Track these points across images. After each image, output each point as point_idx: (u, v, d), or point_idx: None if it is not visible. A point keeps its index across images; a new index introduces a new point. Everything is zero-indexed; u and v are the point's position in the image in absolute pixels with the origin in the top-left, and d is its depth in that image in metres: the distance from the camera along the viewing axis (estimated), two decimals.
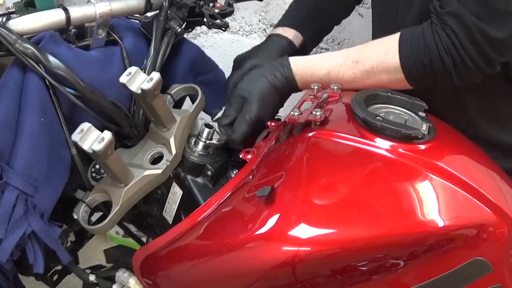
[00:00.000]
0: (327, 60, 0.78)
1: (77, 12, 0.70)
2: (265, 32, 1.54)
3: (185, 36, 0.87)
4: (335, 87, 0.78)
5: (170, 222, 0.79)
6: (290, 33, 0.94)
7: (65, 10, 0.69)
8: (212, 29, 1.04)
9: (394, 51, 0.71)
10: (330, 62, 0.78)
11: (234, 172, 0.78)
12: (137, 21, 0.86)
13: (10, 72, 0.66)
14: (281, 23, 0.98)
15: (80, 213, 0.73)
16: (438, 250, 0.57)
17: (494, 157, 0.70)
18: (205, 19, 0.85)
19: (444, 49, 0.67)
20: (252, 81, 0.79)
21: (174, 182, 0.78)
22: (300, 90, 0.81)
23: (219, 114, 0.82)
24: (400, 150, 0.62)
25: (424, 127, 0.66)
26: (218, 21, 0.86)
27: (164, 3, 0.82)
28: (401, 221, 0.56)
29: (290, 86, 0.79)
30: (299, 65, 0.79)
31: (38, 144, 0.65)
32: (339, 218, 0.57)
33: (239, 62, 0.90)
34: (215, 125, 0.79)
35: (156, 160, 0.76)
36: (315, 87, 0.76)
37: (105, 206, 0.75)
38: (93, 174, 0.76)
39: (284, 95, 0.81)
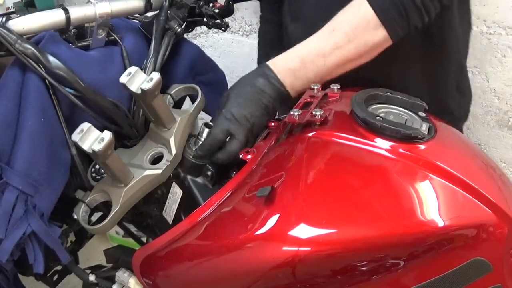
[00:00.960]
0: (304, 42, 0.76)
1: (77, 12, 0.70)
2: None
3: (185, 36, 0.87)
4: (335, 87, 0.78)
5: (170, 222, 0.79)
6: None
7: (65, 10, 0.69)
8: (212, 29, 1.04)
9: (364, 5, 0.71)
10: (308, 42, 0.76)
11: (234, 172, 0.78)
12: (137, 21, 0.86)
13: (10, 72, 0.66)
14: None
15: (80, 213, 0.73)
16: (438, 250, 0.57)
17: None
18: (205, 19, 0.85)
19: None
20: (230, 89, 0.78)
21: (174, 182, 0.78)
22: (284, 88, 0.76)
23: None
24: (400, 150, 0.62)
25: (424, 127, 0.66)
26: (218, 21, 0.86)
27: (164, 3, 0.82)
28: (401, 221, 0.56)
29: (267, 79, 0.75)
30: (277, 58, 0.77)
31: (38, 144, 0.65)
32: (339, 218, 0.57)
33: None
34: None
35: (156, 160, 0.76)
36: (315, 87, 0.76)
37: (105, 206, 0.75)
38: (93, 174, 0.76)
39: (270, 97, 0.75)
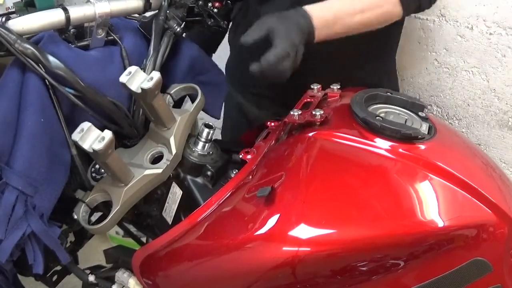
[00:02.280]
0: None
1: (77, 12, 0.70)
2: None
3: (184, 35, 0.87)
4: (335, 87, 0.78)
5: (170, 223, 0.79)
6: None
7: (65, 10, 0.68)
8: None
9: None
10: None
11: (234, 172, 0.78)
12: (136, 21, 0.86)
13: (10, 72, 0.66)
14: None
15: (80, 213, 0.72)
16: (438, 250, 0.57)
17: None
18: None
19: None
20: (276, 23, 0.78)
21: (174, 182, 0.78)
22: (314, 33, 0.78)
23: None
24: (400, 150, 0.62)
25: (424, 127, 0.66)
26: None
27: (163, 2, 0.82)
28: (401, 221, 0.56)
29: (306, 21, 0.78)
30: (313, 7, 0.80)
31: (38, 144, 0.65)
32: (339, 218, 0.57)
33: None
34: (215, 125, 0.79)
35: (156, 159, 0.76)
36: (315, 87, 0.76)
37: (105, 206, 0.75)
38: (93, 174, 0.76)
39: (303, 39, 0.77)
